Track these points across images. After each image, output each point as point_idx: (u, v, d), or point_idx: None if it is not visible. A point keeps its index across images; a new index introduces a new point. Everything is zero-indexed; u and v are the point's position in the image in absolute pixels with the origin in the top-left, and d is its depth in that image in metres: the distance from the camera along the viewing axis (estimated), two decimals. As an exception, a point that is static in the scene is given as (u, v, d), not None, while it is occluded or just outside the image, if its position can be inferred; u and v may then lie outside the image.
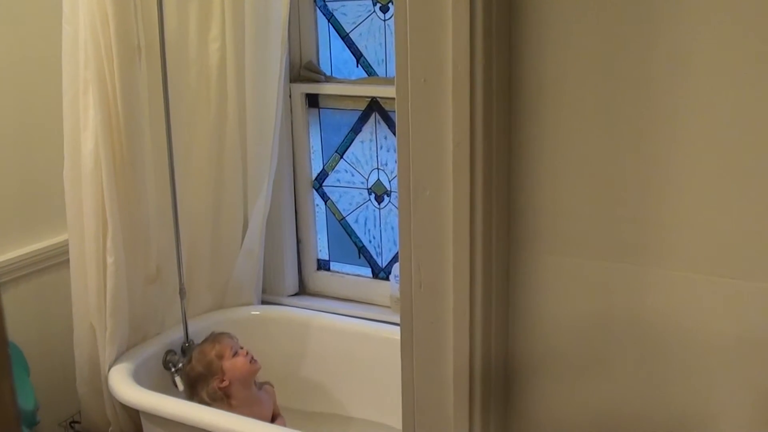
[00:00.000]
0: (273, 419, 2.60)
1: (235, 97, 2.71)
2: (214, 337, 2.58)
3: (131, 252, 2.51)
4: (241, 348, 2.55)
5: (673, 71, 1.18)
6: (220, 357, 2.51)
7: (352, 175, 2.96)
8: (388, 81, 2.76)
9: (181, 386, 2.61)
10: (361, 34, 2.82)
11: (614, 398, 1.35)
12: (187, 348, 2.68)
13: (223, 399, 2.48)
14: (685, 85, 1.18)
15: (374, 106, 2.84)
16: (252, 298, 2.96)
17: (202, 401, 2.49)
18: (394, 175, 2.85)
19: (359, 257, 3.03)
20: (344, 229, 3.03)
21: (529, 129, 1.29)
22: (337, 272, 3.07)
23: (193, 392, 2.54)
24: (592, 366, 1.35)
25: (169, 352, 2.67)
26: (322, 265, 3.10)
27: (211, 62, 2.68)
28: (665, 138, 1.21)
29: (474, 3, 1.20)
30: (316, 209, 3.05)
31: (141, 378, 2.48)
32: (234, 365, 2.50)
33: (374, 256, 2.99)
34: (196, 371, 2.53)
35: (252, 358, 2.54)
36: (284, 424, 2.61)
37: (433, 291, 1.35)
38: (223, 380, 2.49)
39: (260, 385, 2.61)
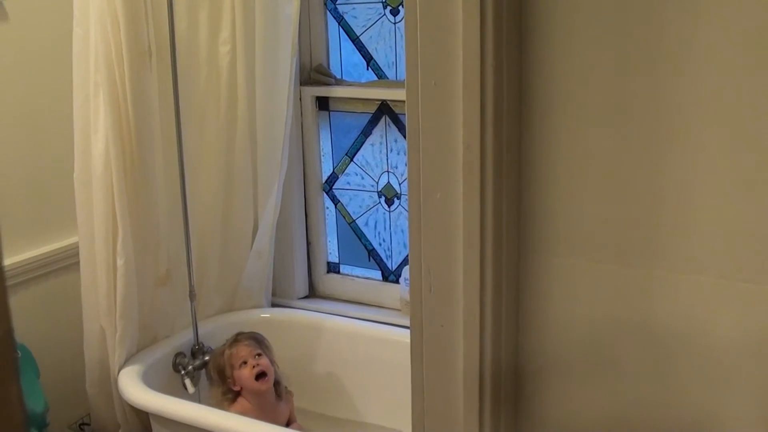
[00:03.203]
0: (288, 426, 2.59)
1: (246, 100, 2.72)
2: (233, 341, 2.56)
3: (141, 254, 2.51)
4: (258, 355, 2.51)
5: (684, 73, 1.18)
6: (231, 365, 2.51)
7: (362, 178, 2.96)
8: (398, 84, 2.76)
9: (191, 388, 2.61)
10: (371, 36, 2.82)
11: (624, 401, 1.34)
12: (196, 350, 2.68)
13: (233, 400, 2.49)
14: (696, 88, 1.17)
15: (384, 109, 2.84)
16: (262, 300, 2.96)
17: (220, 399, 2.51)
18: (404, 178, 2.85)
19: (369, 260, 3.02)
20: (354, 231, 3.03)
21: (539, 131, 1.29)
22: (347, 275, 3.07)
23: (213, 392, 2.57)
24: (602, 369, 1.35)
25: (178, 354, 2.67)
26: (332, 268, 3.10)
27: (222, 65, 2.68)
28: (676, 140, 1.20)
29: (484, 5, 1.20)
30: (326, 212, 3.05)
31: (151, 380, 2.49)
32: (241, 376, 2.49)
33: (384, 259, 2.99)
34: (212, 375, 2.57)
35: (260, 372, 2.48)
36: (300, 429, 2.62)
37: (443, 294, 1.34)
38: (235, 384, 2.50)
39: (281, 391, 2.59)
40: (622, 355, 1.32)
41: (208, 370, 2.62)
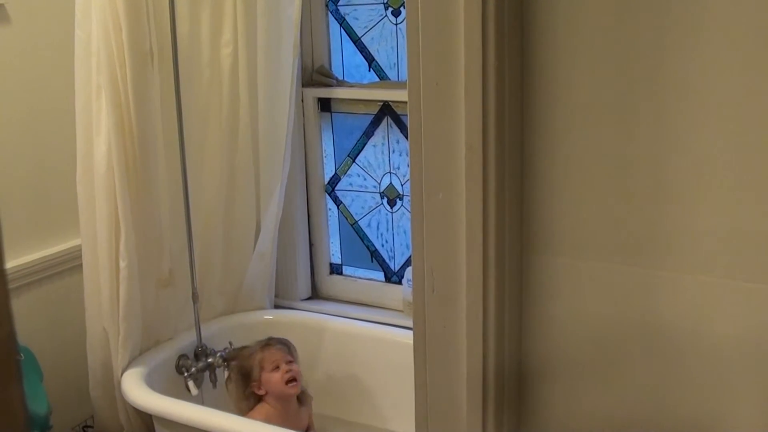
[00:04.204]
0: None
1: (248, 102, 2.72)
2: (264, 344, 2.54)
3: (144, 256, 2.51)
4: (289, 362, 2.50)
5: (685, 74, 1.17)
6: (261, 367, 2.48)
7: (365, 179, 2.96)
8: (400, 85, 2.76)
9: (194, 390, 2.61)
10: (372, 38, 2.82)
11: (627, 401, 1.34)
12: (200, 352, 2.68)
13: (252, 405, 2.48)
14: (698, 88, 1.17)
15: (386, 110, 2.84)
16: (264, 302, 2.96)
17: (238, 404, 2.50)
18: (406, 179, 2.84)
19: (372, 261, 3.02)
20: (357, 233, 3.03)
21: (541, 131, 1.29)
22: (350, 276, 3.07)
23: (234, 392, 2.54)
24: (605, 369, 1.35)
25: (181, 356, 2.67)
26: (335, 269, 3.10)
27: (224, 67, 2.68)
28: (680, 140, 1.20)
29: (486, 6, 1.19)
30: (329, 213, 3.05)
31: (154, 382, 2.49)
32: (269, 380, 2.47)
33: (387, 260, 2.99)
34: (237, 374, 2.54)
35: (291, 378, 2.47)
36: None
37: (446, 295, 1.34)
38: (260, 388, 2.48)
39: (303, 398, 2.58)
40: (626, 355, 1.32)
41: (236, 370, 2.56)
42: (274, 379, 2.47)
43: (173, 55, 2.46)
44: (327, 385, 2.88)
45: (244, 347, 2.60)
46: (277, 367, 2.48)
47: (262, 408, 2.48)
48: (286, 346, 2.56)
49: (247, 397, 2.50)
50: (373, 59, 2.84)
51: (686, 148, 1.20)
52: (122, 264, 2.44)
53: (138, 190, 2.45)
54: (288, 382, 2.47)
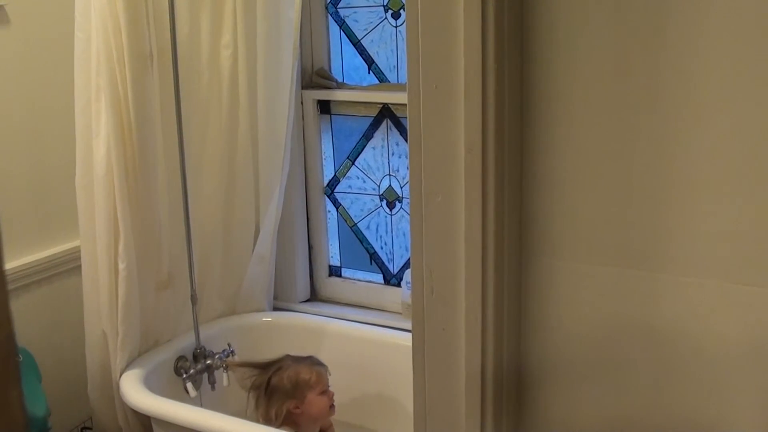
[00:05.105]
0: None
1: (247, 104, 2.72)
2: (314, 363, 2.49)
3: (143, 258, 2.51)
4: (330, 386, 2.49)
5: (685, 75, 1.17)
6: (310, 386, 2.44)
7: (364, 182, 2.96)
8: (399, 87, 2.76)
9: (192, 392, 2.61)
10: (372, 40, 2.83)
11: (626, 405, 1.34)
12: (198, 354, 2.68)
13: (286, 423, 2.42)
14: (697, 90, 1.17)
15: (386, 113, 2.84)
16: (263, 304, 2.96)
17: (267, 414, 2.44)
18: (405, 181, 2.85)
19: (371, 263, 3.02)
20: (356, 235, 3.03)
21: (540, 134, 1.29)
22: (349, 278, 3.07)
23: (266, 401, 2.46)
24: (604, 372, 1.35)
25: (180, 358, 2.67)
26: (334, 272, 3.10)
27: (223, 69, 2.68)
28: (678, 143, 1.20)
29: (485, 7, 1.20)
30: (328, 215, 3.05)
31: (152, 384, 2.49)
32: (316, 402, 2.43)
33: (386, 263, 2.99)
34: (281, 385, 2.45)
35: (333, 404, 2.47)
36: None
37: (445, 297, 1.34)
38: (298, 407, 2.43)
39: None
40: (625, 359, 1.32)
41: (274, 384, 2.45)
42: (321, 402, 2.44)
43: (173, 57, 2.46)
44: (326, 388, 2.88)
45: (273, 361, 2.52)
46: (325, 391, 2.46)
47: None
48: (326, 368, 2.52)
49: (278, 413, 2.43)
50: (373, 61, 2.84)
51: (687, 151, 1.20)
52: (121, 265, 2.44)
53: (137, 191, 2.45)
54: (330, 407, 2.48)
